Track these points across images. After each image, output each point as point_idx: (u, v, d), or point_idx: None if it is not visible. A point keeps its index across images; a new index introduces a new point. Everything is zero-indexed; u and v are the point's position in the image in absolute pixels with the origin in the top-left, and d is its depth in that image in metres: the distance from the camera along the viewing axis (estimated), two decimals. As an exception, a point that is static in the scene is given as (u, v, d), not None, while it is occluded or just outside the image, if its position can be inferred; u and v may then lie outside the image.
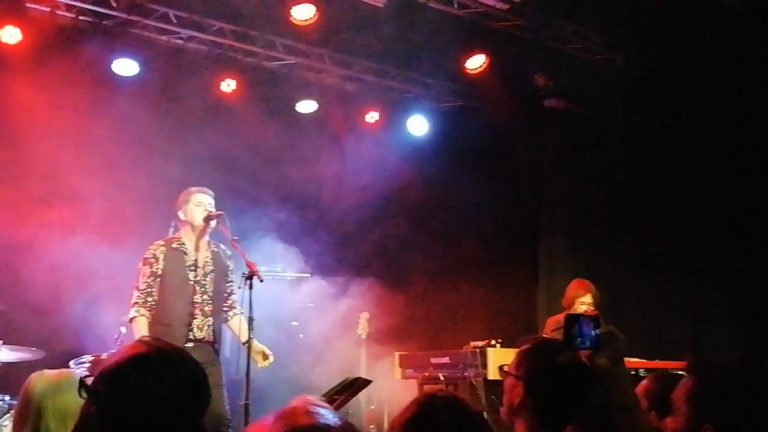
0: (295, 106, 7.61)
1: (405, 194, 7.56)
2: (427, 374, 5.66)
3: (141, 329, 4.65)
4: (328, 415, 1.18)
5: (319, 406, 1.27)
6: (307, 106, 7.62)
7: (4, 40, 6.21)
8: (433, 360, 5.75)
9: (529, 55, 7.23)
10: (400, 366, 6.03)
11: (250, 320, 4.59)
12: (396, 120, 8.08)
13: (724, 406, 1.88)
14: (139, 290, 4.74)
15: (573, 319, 2.61)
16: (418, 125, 8.11)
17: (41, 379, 2.56)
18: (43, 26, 6.36)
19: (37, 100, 5.89)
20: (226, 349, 5.16)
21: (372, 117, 7.96)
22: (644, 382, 3.09)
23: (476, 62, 7.27)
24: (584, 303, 5.44)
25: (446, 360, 5.66)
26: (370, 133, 7.88)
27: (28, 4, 6.41)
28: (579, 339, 2.58)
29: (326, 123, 7.66)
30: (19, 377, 5.21)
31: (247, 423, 4.46)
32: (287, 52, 7.43)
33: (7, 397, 5.05)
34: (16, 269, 5.46)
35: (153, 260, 4.79)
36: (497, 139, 7.56)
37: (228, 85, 7.20)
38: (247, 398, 4.49)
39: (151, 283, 4.75)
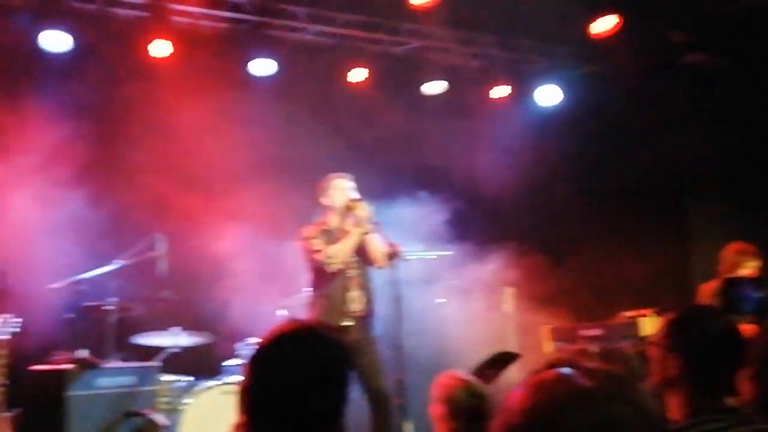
0: (422, 88, 7.69)
1: (543, 166, 7.46)
2: (578, 347, 5.59)
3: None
4: (584, 378, 1.15)
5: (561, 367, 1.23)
6: (435, 87, 7.68)
7: (153, 54, 6.73)
8: (585, 332, 5.66)
9: (664, 10, 6.88)
10: (550, 339, 5.99)
11: (398, 300, 4.76)
12: (526, 92, 7.98)
13: None
14: (318, 249, 4.99)
15: (732, 283, 2.52)
16: (549, 95, 7.96)
17: None
18: (188, 37, 6.82)
19: (189, 107, 6.32)
20: (378, 326, 5.37)
21: (501, 91, 7.91)
22: None
23: (606, 24, 7.02)
24: (748, 268, 5.12)
25: (598, 332, 5.56)
26: (500, 107, 7.84)
27: (174, 18, 6.91)
28: (740, 303, 2.48)
29: (456, 102, 7.69)
30: (197, 360, 5.76)
31: (401, 398, 4.63)
32: (411, 35, 7.54)
33: (189, 378, 5.57)
34: (185, 258, 5.94)
35: (315, 234, 5.07)
36: (635, 102, 7.27)
37: (357, 75, 7.40)
38: (400, 372, 4.66)
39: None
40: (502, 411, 1.16)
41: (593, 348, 5.48)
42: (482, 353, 5.11)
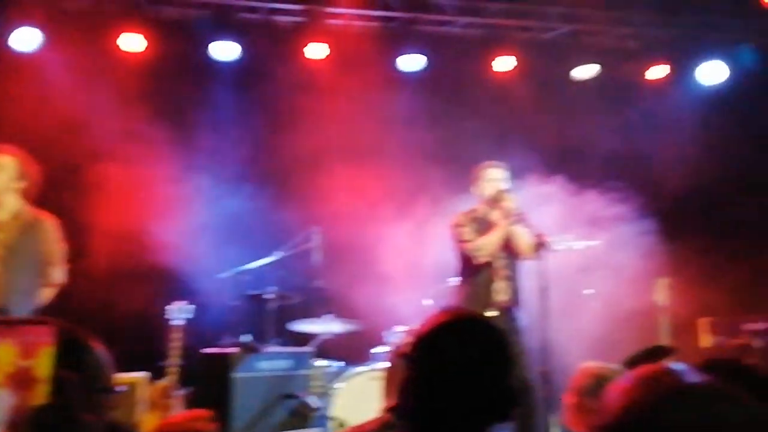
0: (574, 73, 7.45)
1: (699, 148, 6.96)
2: (739, 342, 5.21)
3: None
4: (691, 374, 1.12)
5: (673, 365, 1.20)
6: (587, 72, 7.41)
7: (309, 56, 7.12)
8: (747, 326, 5.27)
9: None
10: (708, 333, 5.63)
11: (544, 290, 4.70)
12: (686, 71, 7.48)
13: None
14: (467, 239, 5.07)
15: None
16: (712, 72, 7.40)
17: None
18: (340, 38, 7.14)
19: (343, 106, 6.61)
20: (524, 319, 5.34)
21: (659, 71, 7.47)
22: None
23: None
24: None
25: (763, 326, 5.15)
26: (658, 88, 7.42)
27: (327, 21, 7.26)
28: None
29: (609, 86, 7.38)
30: (347, 346, 6.06)
31: (547, 391, 4.58)
32: (562, 20, 7.33)
33: (340, 363, 5.89)
34: (337, 249, 6.24)
35: (466, 223, 5.15)
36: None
37: (505, 64, 7.33)
38: (546, 365, 4.60)
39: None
40: (604, 402, 1.16)
41: (757, 343, 5.08)
42: (634, 347, 4.91)
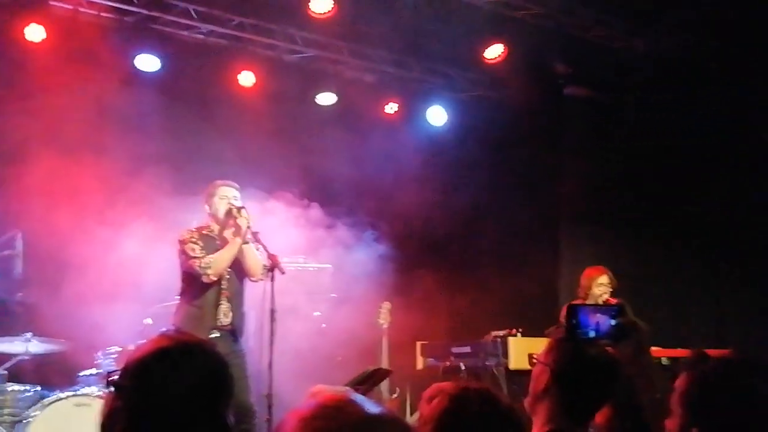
0: (314, 98, 7.63)
1: (424, 184, 7.56)
2: (448, 363, 5.69)
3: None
4: (371, 405, 1.16)
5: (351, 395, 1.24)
6: (326, 99, 7.65)
7: (29, 38, 6.32)
8: (455, 349, 5.78)
9: (549, 43, 7.17)
10: (422, 355, 6.06)
11: (272, 312, 4.68)
12: (415, 110, 8.09)
13: (711, 409, 1.73)
14: (196, 256, 4.79)
15: (574, 309, 2.59)
16: (438, 115, 8.09)
17: None
18: (66, 24, 6.45)
19: (61, 98, 5.96)
20: (250, 340, 5.23)
21: (391, 108, 7.97)
22: None
23: (495, 51, 7.23)
24: (602, 284, 5.35)
25: (467, 349, 5.69)
26: (389, 123, 7.90)
27: (51, 2, 6.50)
28: (580, 330, 2.54)
29: (346, 115, 7.67)
30: (49, 369, 5.38)
31: (270, 414, 4.53)
32: (306, 44, 7.46)
33: (38, 388, 5.20)
34: (44, 262, 5.57)
35: (195, 239, 4.88)
36: (517, 128, 7.53)
37: (247, 79, 7.23)
38: (270, 389, 4.55)
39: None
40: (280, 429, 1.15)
41: (462, 365, 5.58)
42: (358, 368, 5.08)
